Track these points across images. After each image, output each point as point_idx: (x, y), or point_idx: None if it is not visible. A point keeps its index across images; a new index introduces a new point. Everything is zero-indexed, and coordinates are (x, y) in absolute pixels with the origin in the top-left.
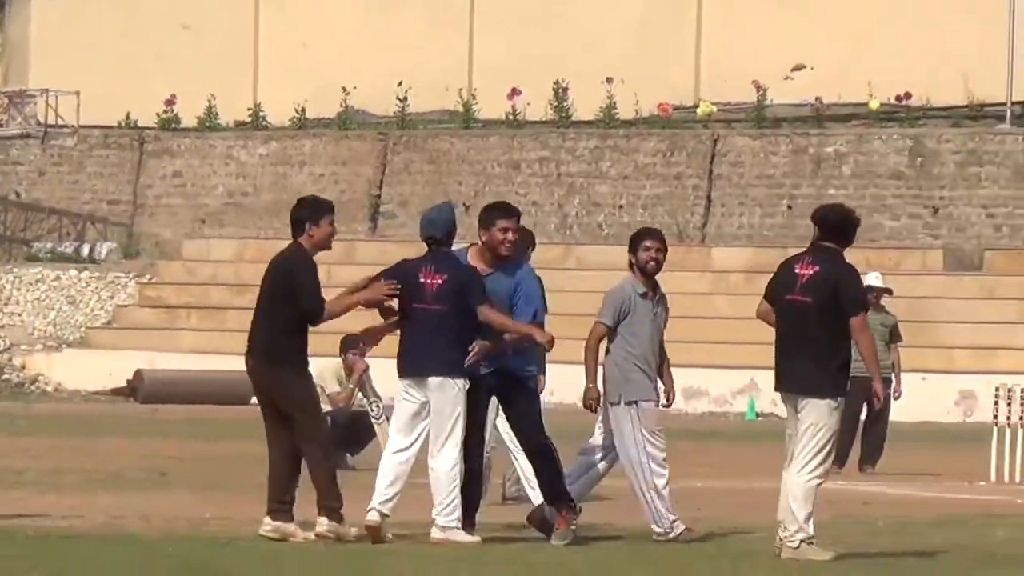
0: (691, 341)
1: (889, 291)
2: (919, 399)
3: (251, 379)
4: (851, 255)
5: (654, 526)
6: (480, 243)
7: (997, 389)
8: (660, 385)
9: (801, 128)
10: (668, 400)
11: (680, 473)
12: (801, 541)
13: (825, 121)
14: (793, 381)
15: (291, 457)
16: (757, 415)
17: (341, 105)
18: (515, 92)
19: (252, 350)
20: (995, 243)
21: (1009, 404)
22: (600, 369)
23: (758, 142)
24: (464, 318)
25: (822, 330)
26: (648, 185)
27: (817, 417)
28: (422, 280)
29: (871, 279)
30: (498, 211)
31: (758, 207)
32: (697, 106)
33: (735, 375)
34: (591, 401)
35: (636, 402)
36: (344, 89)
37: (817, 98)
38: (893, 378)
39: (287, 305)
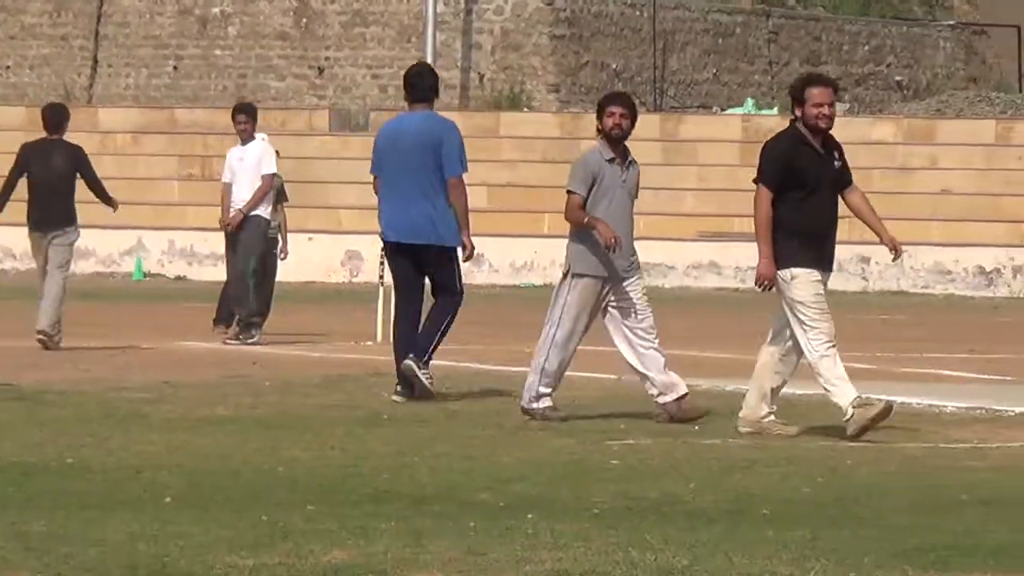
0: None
1: (276, 152)
2: (306, 259)
3: None
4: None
5: (525, 393)
6: None
7: (382, 248)
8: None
9: None
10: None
11: (67, 333)
12: (852, 407)
13: None
14: None
15: None
16: (144, 275)
17: None
18: None
19: None
20: (381, 104)
21: None
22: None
23: (144, 3)
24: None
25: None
26: (35, 46)
27: (781, 294)
28: None
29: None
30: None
31: (144, 68)
32: None
33: (122, 235)
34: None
35: (581, 276)
36: None
37: None
38: (280, 238)
39: None
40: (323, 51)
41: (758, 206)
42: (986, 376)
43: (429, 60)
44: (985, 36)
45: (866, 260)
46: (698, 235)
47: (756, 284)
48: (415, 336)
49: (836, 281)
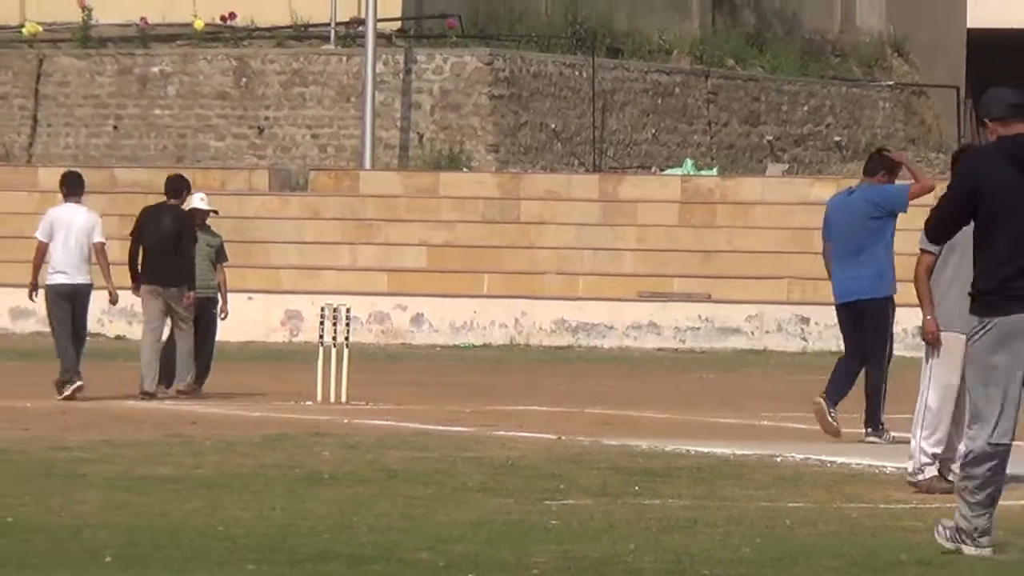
0: (17, 261)
1: (215, 212)
2: (246, 319)
3: None
4: None
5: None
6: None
7: (322, 309)
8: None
9: (127, 48)
10: None
11: (6, 393)
12: None
13: (151, 41)
14: None
15: None
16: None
17: None
18: None
19: None
20: (319, 163)
21: (335, 324)
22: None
23: (84, 62)
24: None
25: None
26: None
27: None
28: None
29: (196, 201)
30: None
31: (84, 127)
32: (22, 26)
33: None
34: (929, 335)
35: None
36: None
37: (142, 18)
38: (219, 298)
39: None
40: (262, 111)
41: None
42: None
43: (368, 120)
44: (924, 96)
45: (805, 321)
46: (638, 295)
47: None
48: (842, 387)
49: (776, 341)
